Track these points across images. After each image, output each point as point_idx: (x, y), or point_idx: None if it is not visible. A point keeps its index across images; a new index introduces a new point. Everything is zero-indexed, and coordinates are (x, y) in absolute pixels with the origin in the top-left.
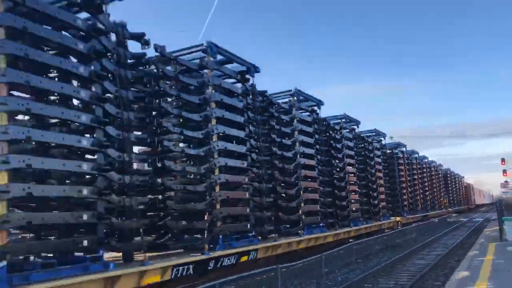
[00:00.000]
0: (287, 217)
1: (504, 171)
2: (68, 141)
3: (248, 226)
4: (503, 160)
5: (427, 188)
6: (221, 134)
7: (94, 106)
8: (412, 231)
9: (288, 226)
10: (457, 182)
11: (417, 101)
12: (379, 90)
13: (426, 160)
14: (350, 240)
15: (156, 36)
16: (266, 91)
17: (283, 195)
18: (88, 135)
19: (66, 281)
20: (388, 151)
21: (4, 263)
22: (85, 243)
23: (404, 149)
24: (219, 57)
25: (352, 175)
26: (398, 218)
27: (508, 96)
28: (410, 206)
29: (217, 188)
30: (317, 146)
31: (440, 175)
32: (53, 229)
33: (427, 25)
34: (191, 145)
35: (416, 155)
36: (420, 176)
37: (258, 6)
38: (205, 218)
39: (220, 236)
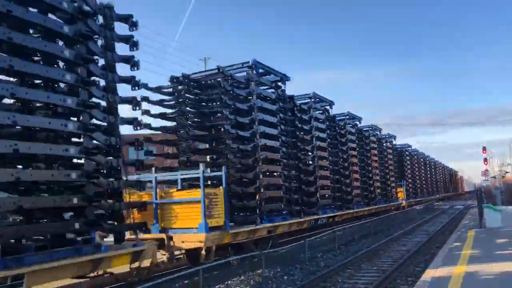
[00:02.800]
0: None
1: (485, 160)
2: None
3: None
4: (484, 148)
5: (439, 179)
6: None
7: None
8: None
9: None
10: (455, 175)
11: (397, 90)
12: (357, 78)
13: (434, 158)
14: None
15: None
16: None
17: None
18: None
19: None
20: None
21: None
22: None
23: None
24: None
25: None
26: None
27: (489, 85)
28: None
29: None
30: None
31: (445, 171)
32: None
33: (409, 12)
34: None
35: (428, 155)
36: (432, 172)
37: None
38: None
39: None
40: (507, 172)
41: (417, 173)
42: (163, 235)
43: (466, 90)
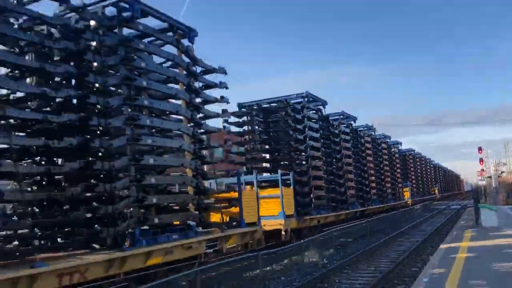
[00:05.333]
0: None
1: (481, 160)
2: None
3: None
4: (480, 148)
5: (450, 181)
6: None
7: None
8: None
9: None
10: (458, 178)
11: (391, 90)
12: (353, 77)
13: (447, 168)
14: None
15: None
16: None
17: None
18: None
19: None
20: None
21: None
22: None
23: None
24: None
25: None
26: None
27: (484, 85)
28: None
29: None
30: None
31: (453, 175)
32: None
33: (404, 11)
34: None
35: (448, 168)
36: (446, 176)
37: None
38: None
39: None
40: (502, 172)
41: (441, 178)
42: None
43: (461, 90)
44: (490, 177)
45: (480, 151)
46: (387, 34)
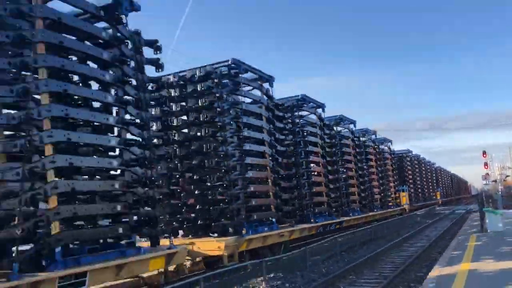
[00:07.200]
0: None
1: (486, 164)
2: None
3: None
4: (484, 153)
5: (460, 187)
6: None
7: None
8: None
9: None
10: (465, 183)
11: (395, 95)
12: (354, 83)
13: (457, 175)
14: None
15: None
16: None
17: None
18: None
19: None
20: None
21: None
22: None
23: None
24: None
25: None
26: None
27: (484, 90)
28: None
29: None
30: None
31: (463, 181)
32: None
33: (405, 17)
34: None
35: (460, 176)
36: (456, 182)
37: None
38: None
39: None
40: (507, 176)
41: (455, 184)
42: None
43: (465, 94)
44: (495, 181)
45: (484, 155)
46: (388, 39)
